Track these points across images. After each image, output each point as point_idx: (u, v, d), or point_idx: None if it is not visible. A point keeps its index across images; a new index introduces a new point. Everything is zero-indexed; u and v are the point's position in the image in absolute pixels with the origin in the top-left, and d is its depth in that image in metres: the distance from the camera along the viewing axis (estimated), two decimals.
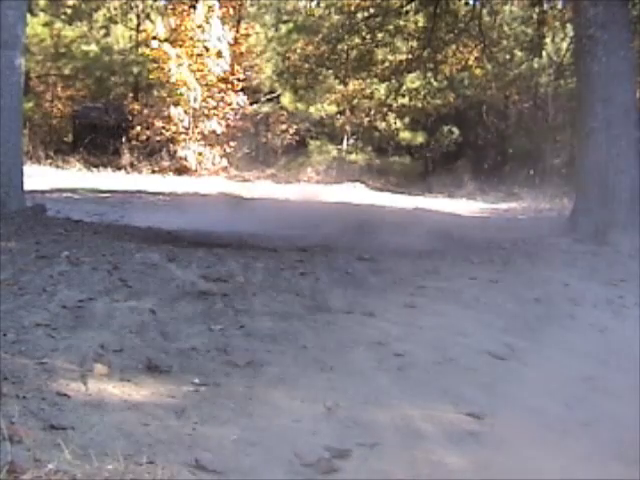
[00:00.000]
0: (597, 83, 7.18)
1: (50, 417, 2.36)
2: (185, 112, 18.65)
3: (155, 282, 4.62)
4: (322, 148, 20.62)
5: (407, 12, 14.53)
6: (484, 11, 15.02)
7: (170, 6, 19.91)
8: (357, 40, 17.89)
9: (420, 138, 20.77)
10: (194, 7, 18.74)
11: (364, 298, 4.53)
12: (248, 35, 21.61)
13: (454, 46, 17.68)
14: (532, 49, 19.80)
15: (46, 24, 20.55)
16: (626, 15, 7.58)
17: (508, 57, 19.82)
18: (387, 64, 19.77)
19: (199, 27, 18.60)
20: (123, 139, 19.55)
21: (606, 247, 6.63)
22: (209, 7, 18.62)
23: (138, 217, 8.76)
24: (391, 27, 17.73)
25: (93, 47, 20.92)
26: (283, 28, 21.91)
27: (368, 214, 10.90)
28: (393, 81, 18.49)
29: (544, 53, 19.02)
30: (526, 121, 21.78)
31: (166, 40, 18.52)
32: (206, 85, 18.84)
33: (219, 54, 18.79)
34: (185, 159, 18.70)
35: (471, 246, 6.79)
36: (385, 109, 20.27)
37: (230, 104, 19.37)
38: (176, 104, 18.62)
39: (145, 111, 19.42)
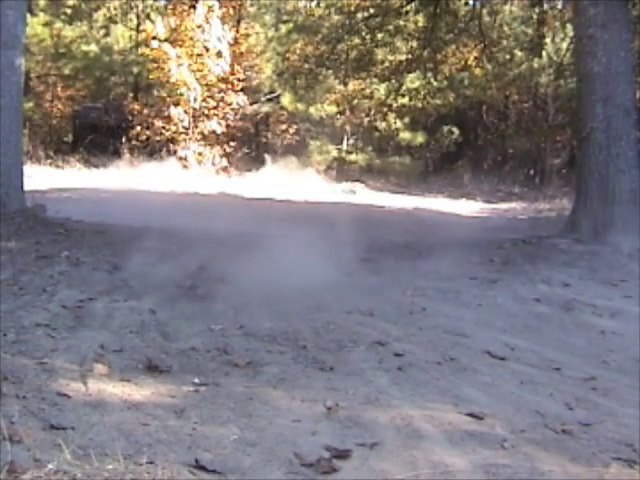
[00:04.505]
0: (597, 83, 7.17)
1: (50, 417, 2.36)
2: (185, 112, 18.63)
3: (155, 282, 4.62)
4: (322, 148, 20.58)
5: (407, 12, 14.48)
6: (484, 11, 15.02)
7: (170, 6, 19.86)
8: (357, 40, 17.84)
9: (420, 138, 20.73)
10: (194, 7, 18.71)
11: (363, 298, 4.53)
12: (248, 35, 21.59)
13: (454, 46, 17.68)
14: (532, 49, 19.76)
15: (46, 24, 20.50)
16: (626, 15, 7.56)
17: (508, 57, 19.78)
18: (387, 64, 19.72)
19: (199, 27, 18.57)
20: (123, 139, 19.51)
21: (606, 247, 6.62)
22: (209, 7, 18.60)
23: (138, 217, 8.73)
24: (391, 27, 17.67)
25: (93, 47, 20.88)
26: (283, 28, 21.86)
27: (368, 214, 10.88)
28: (393, 81, 18.45)
29: (544, 53, 18.98)
30: (526, 121, 21.76)
31: (166, 40, 18.49)
32: (206, 85, 18.81)
33: (219, 54, 18.75)
34: (185, 159, 18.68)
35: (471, 246, 6.79)
36: (385, 109, 20.22)
37: (230, 104, 19.35)
38: (176, 104, 18.60)
39: (145, 111, 19.40)
